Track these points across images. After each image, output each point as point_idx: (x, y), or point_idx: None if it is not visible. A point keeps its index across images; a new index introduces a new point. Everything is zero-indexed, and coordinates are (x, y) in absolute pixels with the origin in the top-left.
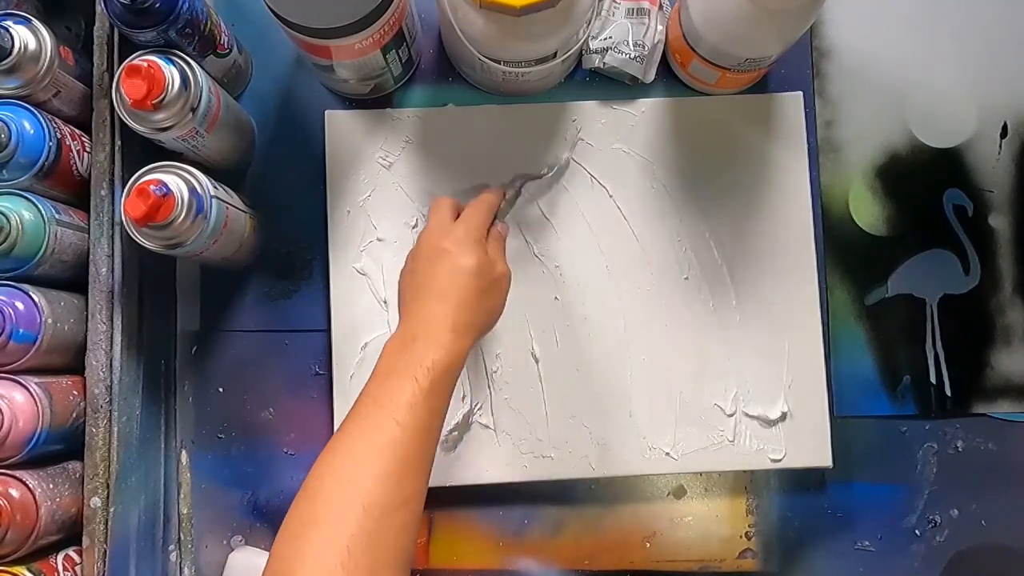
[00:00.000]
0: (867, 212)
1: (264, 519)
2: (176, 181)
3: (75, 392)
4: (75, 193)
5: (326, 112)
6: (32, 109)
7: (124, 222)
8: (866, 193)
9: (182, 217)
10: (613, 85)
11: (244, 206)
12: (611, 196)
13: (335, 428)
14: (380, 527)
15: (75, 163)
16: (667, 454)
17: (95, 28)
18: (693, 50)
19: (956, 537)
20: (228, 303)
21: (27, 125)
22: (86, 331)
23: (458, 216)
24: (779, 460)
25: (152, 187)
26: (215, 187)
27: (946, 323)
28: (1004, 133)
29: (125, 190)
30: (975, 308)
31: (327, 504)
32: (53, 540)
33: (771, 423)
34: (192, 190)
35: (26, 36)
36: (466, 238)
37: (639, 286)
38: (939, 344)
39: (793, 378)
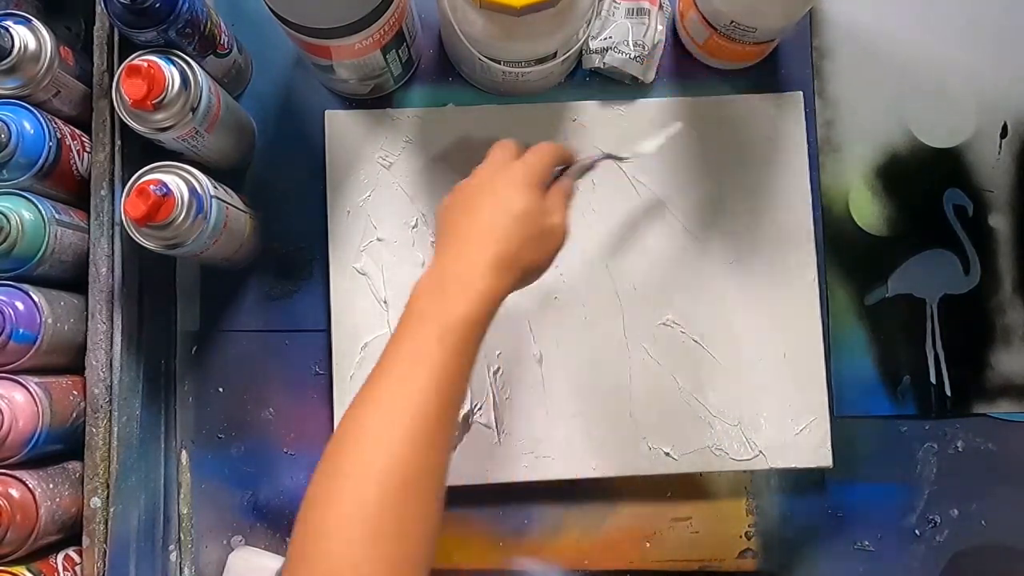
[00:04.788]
0: (867, 212)
1: (264, 519)
2: (176, 181)
3: (75, 392)
4: (75, 193)
5: (326, 112)
6: (32, 109)
7: (124, 222)
8: (866, 193)
9: (182, 217)
10: (613, 85)
11: (244, 206)
12: (611, 196)
13: (335, 428)
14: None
15: (75, 163)
16: (667, 454)
17: (95, 28)
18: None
19: (956, 537)
20: (228, 303)
21: (27, 125)
22: (86, 331)
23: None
24: (779, 460)
25: (152, 187)
26: (215, 187)
27: (946, 323)
28: (1004, 133)
29: (125, 190)
30: (975, 308)
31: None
32: (53, 540)
33: (771, 423)
34: (192, 190)
35: (26, 36)
36: (521, 180)
37: (639, 286)
38: (939, 344)
39: (793, 378)
